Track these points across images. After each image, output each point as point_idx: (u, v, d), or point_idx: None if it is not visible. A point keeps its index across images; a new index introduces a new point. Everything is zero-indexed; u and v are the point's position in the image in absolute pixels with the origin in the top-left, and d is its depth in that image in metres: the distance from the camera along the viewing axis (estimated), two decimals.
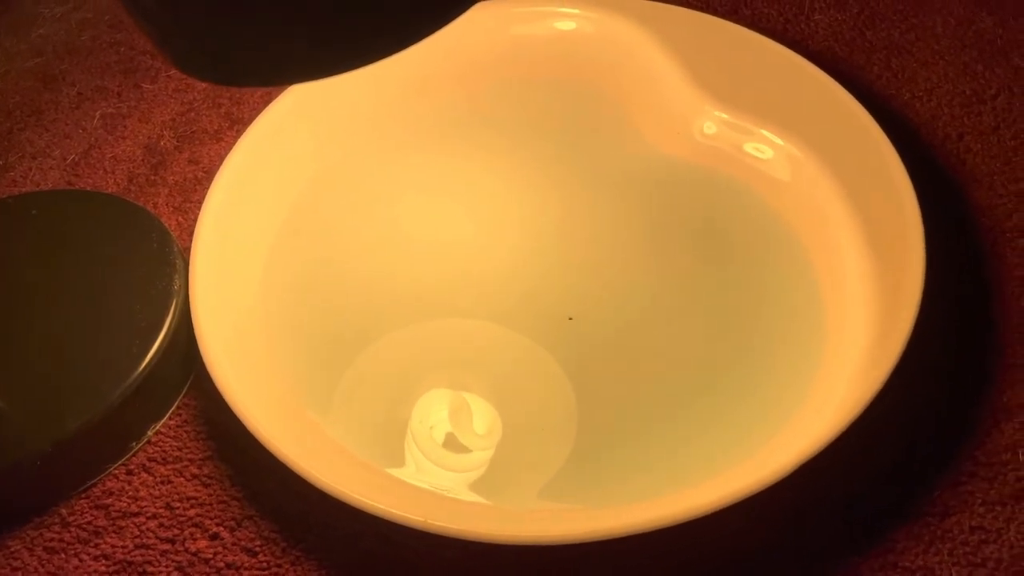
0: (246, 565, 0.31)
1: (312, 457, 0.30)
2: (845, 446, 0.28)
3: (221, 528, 0.32)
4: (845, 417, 0.29)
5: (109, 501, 0.33)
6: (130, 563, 0.32)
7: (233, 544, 0.32)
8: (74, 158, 0.46)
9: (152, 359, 0.34)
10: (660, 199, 0.40)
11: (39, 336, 0.36)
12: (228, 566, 0.31)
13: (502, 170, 0.43)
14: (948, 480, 0.31)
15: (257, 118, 0.41)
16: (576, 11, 0.45)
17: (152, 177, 0.45)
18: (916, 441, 0.32)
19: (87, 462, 0.34)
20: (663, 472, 0.32)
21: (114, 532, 0.33)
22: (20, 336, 0.36)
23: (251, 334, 0.36)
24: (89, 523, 0.33)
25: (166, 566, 0.32)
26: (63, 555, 0.32)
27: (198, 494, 0.33)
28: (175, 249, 0.38)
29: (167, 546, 0.32)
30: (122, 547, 0.32)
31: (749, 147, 0.40)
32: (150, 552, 0.32)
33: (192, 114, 0.48)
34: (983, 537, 0.29)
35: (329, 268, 0.40)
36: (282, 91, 0.43)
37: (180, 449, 0.35)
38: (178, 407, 0.36)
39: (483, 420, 0.34)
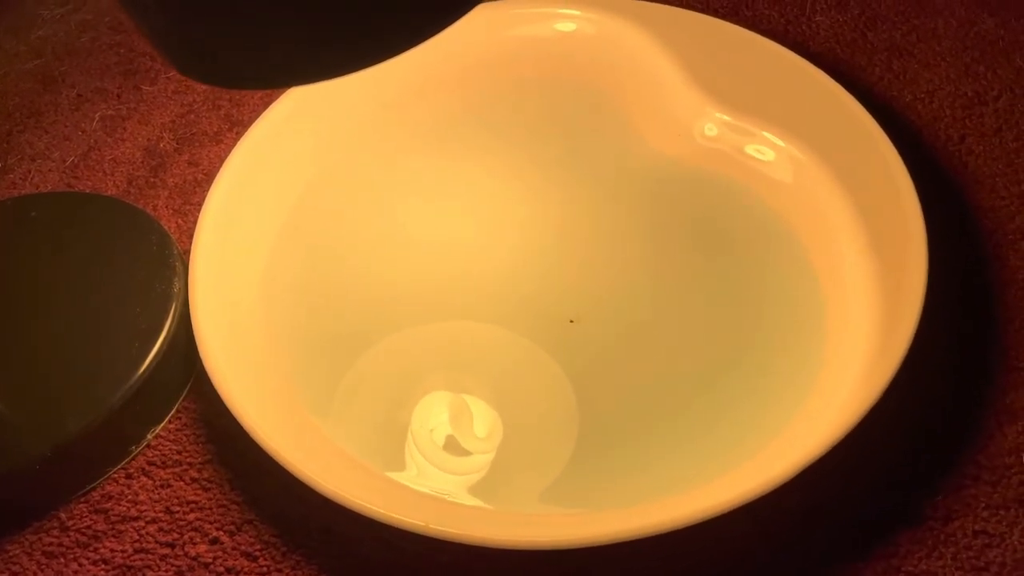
0: (246, 570, 0.31)
1: (312, 461, 0.30)
2: (848, 449, 0.28)
3: (221, 532, 0.32)
4: (849, 420, 0.29)
5: (108, 505, 0.33)
6: (129, 567, 0.32)
7: (233, 548, 0.32)
8: (73, 160, 0.46)
9: (152, 362, 0.34)
10: (661, 201, 0.40)
11: (38, 339, 0.35)
12: (228, 570, 0.31)
13: (502, 172, 0.43)
14: (951, 484, 0.31)
15: (257, 120, 0.41)
16: (576, 12, 0.45)
17: (152, 179, 0.45)
18: (919, 445, 0.32)
19: (86, 466, 0.34)
20: (664, 475, 0.32)
21: (113, 536, 0.32)
22: (19, 339, 0.36)
23: (251, 337, 0.36)
24: (88, 527, 0.33)
25: (166, 570, 0.31)
26: (62, 559, 0.32)
27: (198, 498, 0.33)
28: (175, 252, 0.38)
29: (167, 550, 0.32)
30: (121, 551, 0.32)
31: (750, 149, 0.40)
32: (149, 556, 0.32)
33: (192, 116, 0.47)
34: (986, 541, 0.29)
35: (329, 270, 0.40)
36: (282, 93, 0.43)
37: (180, 453, 0.35)
38: (178, 410, 0.36)
39: (484, 422, 0.34)
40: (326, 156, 0.43)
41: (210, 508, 0.33)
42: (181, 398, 0.36)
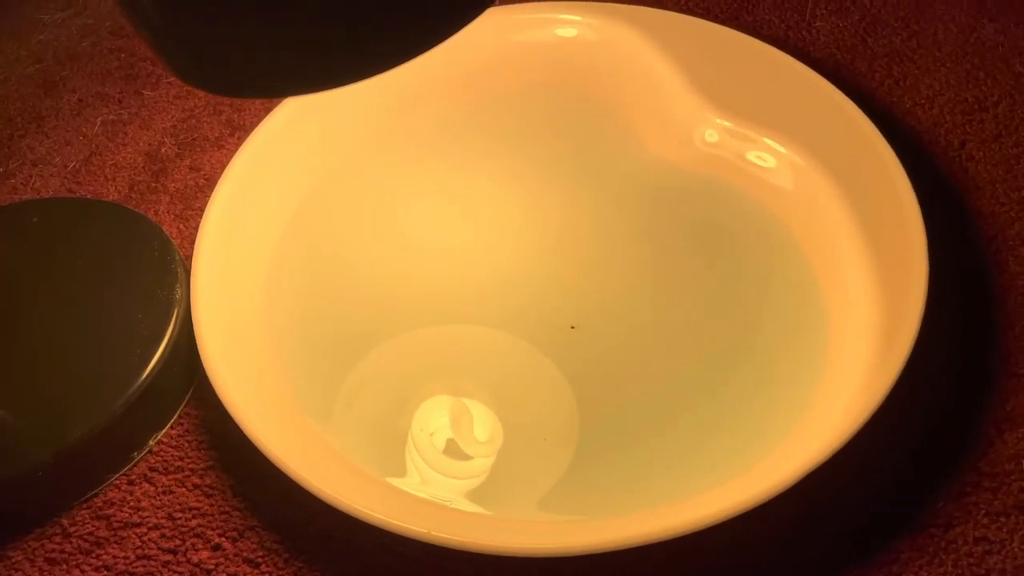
0: None
1: (314, 467, 0.30)
2: (848, 457, 0.28)
3: (223, 539, 0.32)
4: (848, 428, 0.29)
5: (111, 511, 0.33)
6: (131, 574, 0.32)
7: (235, 555, 0.32)
8: (75, 165, 0.46)
9: (154, 368, 0.34)
10: (662, 206, 0.40)
11: (40, 345, 0.35)
12: None
13: (503, 177, 0.43)
14: (952, 491, 0.31)
15: (258, 125, 0.41)
16: (577, 18, 0.45)
17: (153, 184, 0.45)
18: (919, 451, 0.32)
19: (88, 472, 0.34)
20: (665, 481, 0.32)
21: (115, 543, 0.33)
22: (21, 345, 0.36)
23: (252, 343, 0.36)
24: (90, 534, 0.33)
25: None
26: (64, 566, 0.32)
27: (200, 504, 0.33)
28: (176, 257, 0.38)
29: (169, 557, 0.32)
30: (123, 558, 0.32)
31: (751, 155, 0.40)
32: (151, 563, 0.32)
33: (193, 121, 0.48)
34: (987, 548, 0.29)
35: (331, 275, 0.40)
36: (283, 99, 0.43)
37: (182, 459, 0.35)
38: (180, 417, 0.36)
39: (484, 427, 0.34)
40: (328, 161, 0.43)
41: (212, 514, 0.33)
42: (183, 404, 0.36)
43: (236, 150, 0.41)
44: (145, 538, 0.32)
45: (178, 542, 0.32)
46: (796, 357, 0.34)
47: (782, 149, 0.39)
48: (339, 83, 0.23)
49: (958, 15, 0.46)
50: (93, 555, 0.32)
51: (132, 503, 0.34)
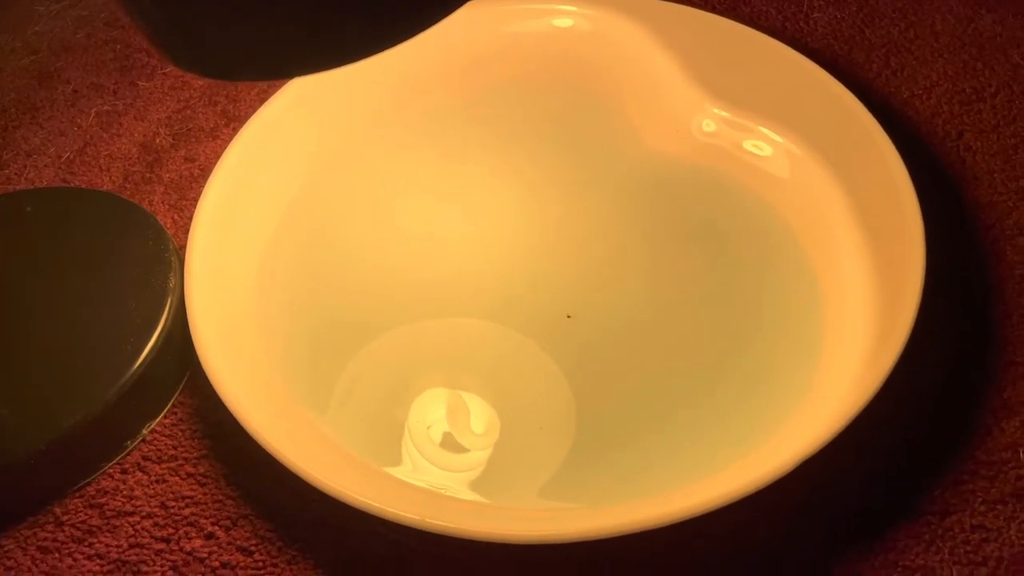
0: (241, 564, 0.31)
1: (308, 455, 0.30)
2: (845, 444, 0.28)
3: (216, 527, 0.32)
4: (845, 415, 0.29)
5: (103, 500, 0.33)
6: (124, 563, 0.32)
7: (228, 543, 0.32)
8: (69, 156, 0.46)
9: (147, 357, 0.34)
10: (658, 197, 0.40)
11: (33, 334, 0.35)
12: (223, 565, 0.31)
13: (500, 168, 0.42)
14: (949, 479, 0.31)
15: (253, 116, 0.41)
16: (574, 8, 0.45)
17: (148, 175, 0.44)
18: (916, 439, 0.32)
19: (81, 461, 0.34)
20: (662, 470, 0.32)
21: (108, 531, 0.32)
22: (14, 334, 0.35)
23: (247, 332, 0.36)
24: (83, 522, 0.33)
25: (160, 566, 0.31)
26: (57, 554, 0.32)
27: (193, 493, 0.33)
28: (170, 247, 0.37)
29: (162, 545, 0.32)
30: (116, 546, 0.32)
31: (748, 145, 0.40)
32: (145, 552, 0.32)
33: (188, 111, 0.47)
34: (984, 536, 0.29)
35: (326, 266, 0.40)
36: (278, 88, 0.42)
37: (175, 448, 0.34)
38: (173, 405, 0.36)
39: (481, 419, 0.34)
40: (322, 152, 0.43)
41: (205, 503, 0.33)
42: (177, 393, 0.36)
43: (231, 141, 0.40)
44: (138, 527, 0.32)
45: (171, 531, 0.32)
46: (793, 345, 0.34)
47: (779, 139, 0.39)
48: (337, 62, 0.22)
49: (956, 6, 0.46)
50: (86, 543, 0.32)
51: (125, 492, 0.33)
